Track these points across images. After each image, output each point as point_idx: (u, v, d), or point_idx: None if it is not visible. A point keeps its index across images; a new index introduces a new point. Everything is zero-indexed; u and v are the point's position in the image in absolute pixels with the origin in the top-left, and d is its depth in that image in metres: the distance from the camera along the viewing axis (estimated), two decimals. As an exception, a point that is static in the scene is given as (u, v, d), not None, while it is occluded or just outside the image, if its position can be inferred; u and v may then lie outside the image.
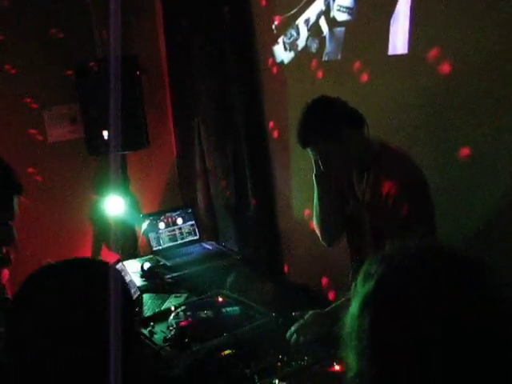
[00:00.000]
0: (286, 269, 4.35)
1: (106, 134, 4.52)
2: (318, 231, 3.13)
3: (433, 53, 2.86)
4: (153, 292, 3.87)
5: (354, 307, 1.13)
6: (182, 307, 3.26)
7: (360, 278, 1.16)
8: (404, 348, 1.04)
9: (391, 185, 2.61)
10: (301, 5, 3.74)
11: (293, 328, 2.75)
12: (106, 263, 1.58)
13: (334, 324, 2.54)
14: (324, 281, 3.87)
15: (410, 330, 1.04)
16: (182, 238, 4.71)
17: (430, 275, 1.07)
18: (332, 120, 2.65)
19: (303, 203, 3.91)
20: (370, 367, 1.07)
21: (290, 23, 3.87)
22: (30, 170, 4.87)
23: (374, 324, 1.07)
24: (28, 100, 4.81)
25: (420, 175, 2.64)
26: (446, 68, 2.81)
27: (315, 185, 2.96)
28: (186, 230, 4.74)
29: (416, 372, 1.03)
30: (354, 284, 1.19)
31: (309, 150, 2.74)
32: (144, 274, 4.10)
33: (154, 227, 4.63)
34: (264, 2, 4.09)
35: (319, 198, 3.00)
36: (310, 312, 2.80)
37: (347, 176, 2.86)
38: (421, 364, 1.02)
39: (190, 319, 3.09)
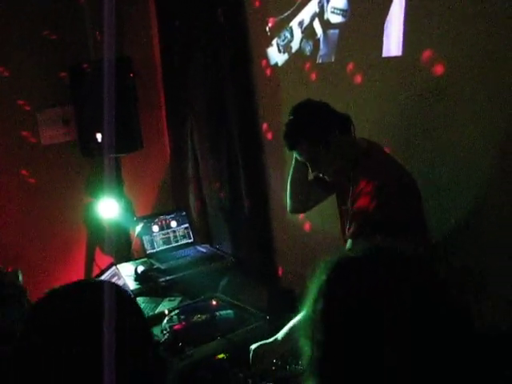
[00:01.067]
0: (279, 272, 4.34)
1: (99, 136, 4.50)
2: (289, 199, 3.17)
3: (426, 55, 2.85)
4: (147, 295, 3.88)
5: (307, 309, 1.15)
6: (176, 311, 3.25)
7: (312, 283, 1.19)
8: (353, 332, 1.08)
9: (365, 183, 2.60)
10: (294, 7, 3.73)
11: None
12: (112, 284, 1.54)
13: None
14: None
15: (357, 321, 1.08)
16: (176, 241, 4.71)
17: (372, 271, 1.12)
18: (321, 124, 2.65)
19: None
20: (321, 353, 1.10)
21: (283, 25, 3.85)
22: (24, 172, 4.84)
23: (325, 316, 1.12)
24: (21, 102, 4.78)
25: (398, 179, 2.63)
26: (439, 69, 2.81)
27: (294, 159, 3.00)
28: (179, 232, 4.74)
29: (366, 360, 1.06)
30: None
31: (295, 152, 2.73)
32: (138, 277, 4.10)
33: (147, 230, 4.63)
34: (258, 4, 4.08)
35: (295, 169, 3.04)
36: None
37: (338, 178, 2.84)
38: (370, 353, 1.06)
39: (183, 323, 3.09)
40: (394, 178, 2.64)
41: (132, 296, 1.60)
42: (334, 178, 2.84)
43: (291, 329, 2.55)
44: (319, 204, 3.23)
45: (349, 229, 2.63)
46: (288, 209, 3.24)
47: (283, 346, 2.56)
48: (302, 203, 3.19)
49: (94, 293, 1.38)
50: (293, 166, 3.05)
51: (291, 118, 2.71)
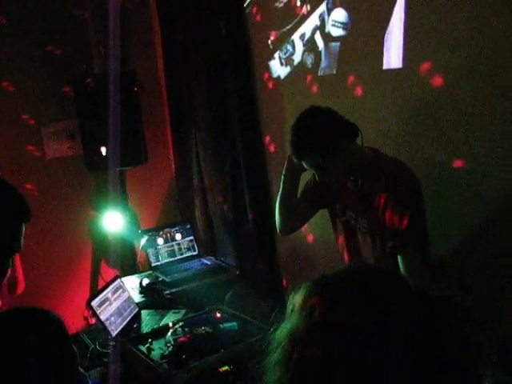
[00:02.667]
0: (284, 283, 4.35)
1: (104, 150, 4.53)
2: (278, 218, 3.14)
3: (425, 67, 2.87)
4: (151, 308, 3.88)
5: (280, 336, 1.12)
6: (180, 323, 3.25)
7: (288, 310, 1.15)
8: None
9: (387, 192, 2.60)
10: (296, 20, 3.75)
11: None
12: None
13: None
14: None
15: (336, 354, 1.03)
16: (181, 254, 4.72)
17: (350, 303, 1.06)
18: (329, 132, 2.61)
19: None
20: None
21: (285, 38, 3.88)
22: (28, 186, 4.86)
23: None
24: (26, 116, 4.82)
25: (415, 181, 2.64)
26: (437, 81, 2.82)
27: (285, 170, 2.99)
28: (184, 245, 4.75)
29: None
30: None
31: (303, 162, 2.71)
32: (143, 290, 4.11)
33: (152, 243, 4.64)
34: (259, 18, 4.11)
35: (289, 183, 3.02)
36: None
37: (342, 184, 2.85)
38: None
39: (187, 335, 3.09)
40: (413, 180, 2.65)
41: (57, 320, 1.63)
42: (340, 185, 2.84)
43: None
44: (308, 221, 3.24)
45: (390, 241, 2.63)
46: (278, 230, 3.22)
47: None
48: (294, 222, 3.19)
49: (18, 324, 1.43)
50: (282, 187, 3.04)
51: (298, 126, 2.67)
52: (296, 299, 1.14)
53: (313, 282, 1.14)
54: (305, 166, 2.73)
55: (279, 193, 3.07)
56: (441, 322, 1.05)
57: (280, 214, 3.11)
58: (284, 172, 3.01)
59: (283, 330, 1.12)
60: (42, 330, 1.53)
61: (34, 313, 1.60)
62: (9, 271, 2.24)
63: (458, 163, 2.82)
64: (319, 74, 3.67)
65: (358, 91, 3.36)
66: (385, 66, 3.18)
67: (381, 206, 2.63)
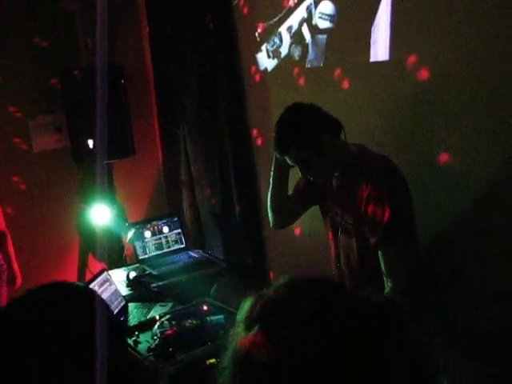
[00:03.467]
0: (271, 276, 4.35)
1: (91, 142, 4.51)
2: (270, 214, 3.14)
3: (411, 59, 2.88)
4: (138, 301, 3.87)
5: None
6: (167, 316, 3.25)
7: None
8: None
9: (371, 188, 2.59)
10: (283, 12, 3.75)
11: None
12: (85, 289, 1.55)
13: None
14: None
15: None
16: (169, 247, 4.71)
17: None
18: (311, 128, 2.62)
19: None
20: None
21: (272, 31, 3.88)
22: (15, 178, 4.85)
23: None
24: (12, 109, 4.79)
25: (399, 176, 2.64)
26: (424, 74, 2.83)
27: (273, 166, 2.99)
28: (172, 238, 4.74)
29: None
30: None
31: (286, 157, 2.71)
32: (130, 283, 4.10)
33: (140, 236, 4.63)
34: (246, 10, 4.10)
35: (277, 180, 3.02)
36: None
37: (327, 180, 2.85)
38: None
39: (174, 328, 3.08)
40: (397, 175, 2.65)
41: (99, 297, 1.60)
42: (323, 181, 2.84)
43: None
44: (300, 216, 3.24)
45: (372, 237, 2.63)
46: (271, 224, 3.21)
47: None
48: (286, 217, 3.19)
49: (66, 298, 1.39)
50: (272, 183, 3.04)
51: (281, 122, 2.68)
52: (240, 314, 1.12)
53: (253, 297, 1.12)
54: (288, 162, 2.73)
55: (269, 189, 3.07)
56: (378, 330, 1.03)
57: (271, 209, 3.11)
58: (272, 168, 3.01)
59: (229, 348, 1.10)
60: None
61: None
62: None
63: (444, 157, 2.82)
64: (306, 67, 3.67)
65: (345, 84, 3.36)
66: (372, 59, 3.18)
67: (363, 201, 2.62)
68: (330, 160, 2.68)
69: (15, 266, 4.28)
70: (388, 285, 2.60)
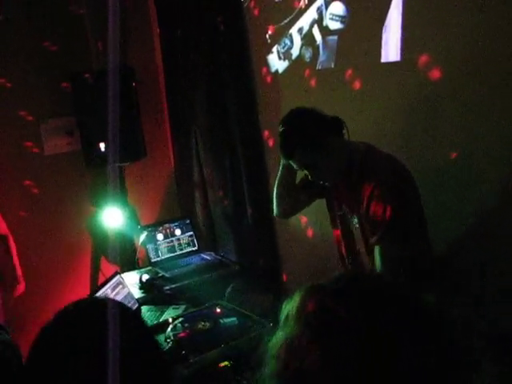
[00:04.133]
0: (284, 278, 4.34)
1: (102, 146, 4.52)
2: (275, 201, 3.17)
3: (423, 59, 2.86)
4: (151, 304, 3.87)
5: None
6: (180, 319, 3.24)
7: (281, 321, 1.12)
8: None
9: (373, 186, 2.58)
10: (294, 14, 3.74)
11: None
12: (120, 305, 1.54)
13: None
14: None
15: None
16: (181, 249, 4.71)
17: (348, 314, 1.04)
18: (314, 129, 2.62)
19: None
20: None
21: (283, 32, 3.87)
22: (27, 182, 4.87)
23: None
24: (24, 113, 4.81)
25: (404, 175, 2.63)
26: (435, 74, 2.81)
27: (281, 166, 3.02)
28: (184, 240, 4.74)
29: None
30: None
31: (292, 161, 2.71)
32: (142, 285, 4.10)
33: (152, 239, 4.63)
34: (257, 12, 4.10)
35: (282, 175, 3.05)
36: None
37: (334, 181, 2.85)
38: None
39: (187, 331, 3.08)
40: (401, 174, 2.65)
41: (134, 311, 1.61)
42: (333, 182, 2.83)
43: None
44: (306, 208, 3.23)
45: (372, 235, 2.62)
46: (274, 212, 3.23)
47: None
48: (290, 206, 3.19)
49: (100, 314, 1.38)
50: (280, 171, 3.05)
51: (284, 128, 2.68)
52: (289, 307, 1.11)
53: (307, 289, 1.12)
54: (295, 166, 2.73)
55: (276, 178, 3.09)
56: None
57: (276, 196, 3.13)
58: (280, 167, 3.03)
59: (277, 340, 1.09)
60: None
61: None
62: None
63: (455, 155, 2.81)
64: (317, 68, 3.66)
65: (357, 84, 3.35)
66: (383, 59, 3.17)
67: (366, 199, 2.62)
68: (336, 161, 2.68)
69: (18, 271, 4.25)
70: None
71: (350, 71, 3.39)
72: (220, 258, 4.65)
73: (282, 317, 1.11)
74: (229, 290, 3.91)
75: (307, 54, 3.72)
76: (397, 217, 2.52)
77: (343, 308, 1.04)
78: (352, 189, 2.72)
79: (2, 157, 4.71)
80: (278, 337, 1.09)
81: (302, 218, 3.96)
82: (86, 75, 4.59)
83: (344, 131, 2.68)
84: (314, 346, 1.02)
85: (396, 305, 1.05)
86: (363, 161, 2.68)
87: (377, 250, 2.59)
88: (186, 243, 4.74)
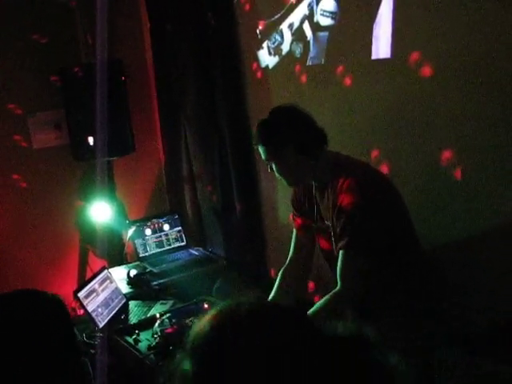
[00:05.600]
0: (272, 273, 4.34)
1: (91, 139, 4.49)
2: None
3: (414, 56, 2.86)
4: (139, 299, 3.86)
5: None
6: (167, 314, 3.24)
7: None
8: None
9: (343, 181, 2.57)
10: (284, 9, 3.73)
11: None
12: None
13: None
14: (311, 285, 3.85)
15: None
16: (169, 245, 4.71)
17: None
18: (279, 133, 2.63)
19: (289, 207, 3.87)
20: None
21: (274, 28, 3.85)
22: (15, 176, 4.84)
23: None
24: (12, 106, 4.77)
25: (373, 182, 2.61)
26: (426, 71, 2.81)
27: None
28: (172, 236, 4.74)
29: None
30: None
31: (261, 149, 2.71)
32: (130, 281, 4.09)
33: (140, 234, 4.63)
34: (248, 7, 4.08)
35: None
36: None
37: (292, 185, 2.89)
38: None
39: (174, 326, 3.08)
40: (369, 172, 2.67)
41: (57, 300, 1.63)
42: (290, 185, 2.86)
43: None
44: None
45: (340, 238, 2.59)
46: None
47: None
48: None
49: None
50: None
51: (269, 116, 2.71)
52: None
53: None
54: (262, 156, 2.74)
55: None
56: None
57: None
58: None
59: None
60: (45, 310, 1.53)
61: (35, 294, 1.60)
62: None
63: (446, 154, 2.80)
64: (308, 64, 3.65)
65: (347, 81, 3.34)
66: (373, 56, 3.16)
67: (333, 209, 2.62)
68: (288, 168, 2.68)
69: None
70: (336, 289, 2.56)
71: (340, 67, 3.38)
72: (208, 253, 4.66)
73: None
74: (216, 285, 3.91)
75: (297, 50, 3.71)
76: (359, 225, 2.49)
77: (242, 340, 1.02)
78: (326, 199, 2.71)
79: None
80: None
81: (291, 214, 3.95)
82: (75, 69, 4.56)
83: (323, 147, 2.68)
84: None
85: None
86: (334, 172, 2.65)
87: (341, 252, 2.57)
88: (174, 238, 4.74)
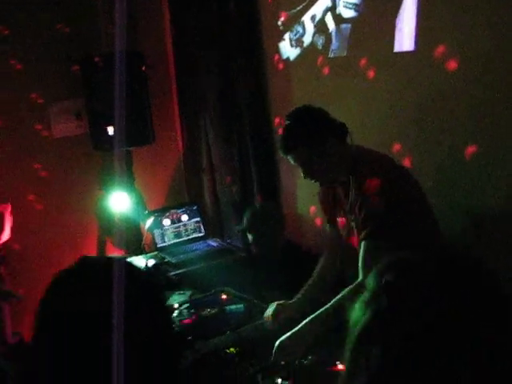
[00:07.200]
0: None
1: (111, 129, 4.50)
2: None
3: (439, 50, 2.83)
4: (157, 289, 3.86)
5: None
6: (186, 305, 3.25)
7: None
8: None
9: (360, 188, 2.58)
10: (307, 1, 3.71)
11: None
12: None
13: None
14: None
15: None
16: (187, 235, 4.71)
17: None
18: (319, 129, 2.62)
19: (308, 200, 3.88)
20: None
21: (296, 19, 3.84)
22: (36, 165, 4.86)
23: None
24: (33, 95, 4.79)
25: (390, 173, 2.61)
26: (452, 65, 2.78)
27: None
28: (191, 226, 4.73)
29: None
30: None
31: (289, 157, 2.69)
32: (148, 270, 4.09)
33: (158, 224, 4.63)
34: (270, -1, 4.07)
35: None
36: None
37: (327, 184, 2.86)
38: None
39: (193, 317, 3.09)
40: (391, 168, 2.64)
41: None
42: (328, 183, 2.84)
43: (314, 321, 2.59)
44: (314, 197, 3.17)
45: (362, 230, 2.59)
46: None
47: (309, 338, 2.59)
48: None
49: (106, 273, 1.36)
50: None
51: (288, 122, 2.69)
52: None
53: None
54: (291, 161, 2.72)
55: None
56: None
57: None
58: None
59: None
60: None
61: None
62: None
63: (470, 149, 2.78)
64: (329, 56, 3.63)
65: (370, 74, 3.31)
66: (396, 49, 3.14)
67: (356, 204, 2.62)
68: (332, 163, 2.66)
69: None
70: (358, 280, 2.56)
71: (363, 60, 3.36)
72: (226, 244, 4.65)
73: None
74: (234, 277, 3.90)
75: (319, 42, 3.69)
76: (387, 211, 2.49)
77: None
78: (350, 192, 2.70)
79: (12, 139, 4.70)
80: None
81: (311, 207, 3.94)
82: (96, 58, 4.56)
83: (348, 139, 2.67)
84: None
85: None
86: (356, 164, 2.66)
87: (362, 243, 2.58)
88: (192, 229, 4.73)
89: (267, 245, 3.80)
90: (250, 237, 3.85)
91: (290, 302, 2.89)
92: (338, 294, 2.62)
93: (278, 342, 2.59)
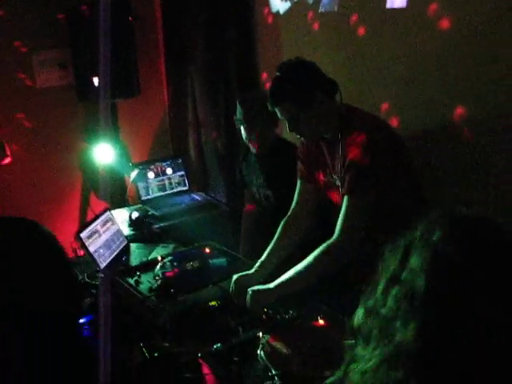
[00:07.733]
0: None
1: (96, 80, 4.44)
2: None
3: (432, 8, 2.79)
4: (140, 241, 3.87)
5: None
6: (169, 257, 3.24)
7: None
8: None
9: (354, 135, 2.56)
10: (298, -47, 3.65)
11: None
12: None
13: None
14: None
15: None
16: (171, 189, 4.71)
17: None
18: (305, 85, 2.59)
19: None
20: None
21: (286, -28, 3.78)
22: (19, 115, 4.81)
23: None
24: (17, 44, 4.71)
25: (386, 132, 2.61)
26: (444, 24, 2.74)
27: None
28: (175, 180, 4.73)
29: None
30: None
31: (277, 110, 2.67)
32: (132, 223, 4.10)
33: (143, 177, 4.62)
34: (261, -50, 4.00)
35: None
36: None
37: (316, 143, 2.83)
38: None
39: (176, 269, 3.09)
40: (380, 128, 2.63)
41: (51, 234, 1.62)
42: (308, 141, 2.83)
43: (291, 278, 2.59)
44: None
45: (348, 186, 2.60)
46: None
47: (278, 293, 2.60)
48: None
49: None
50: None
51: (279, 74, 2.64)
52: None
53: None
54: (278, 114, 2.69)
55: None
56: None
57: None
58: None
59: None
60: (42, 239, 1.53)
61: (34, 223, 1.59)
62: None
63: (459, 110, 2.76)
64: (320, 11, 3.58)
65: (360, 30, 3.27)
66: (388, 5, 3.09)
67: (343, 162, 2.60)
68: (319, 119, 2.64)
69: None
70: (331, 239, 2.57)
71: (354, 16, 3.31)
72: (210, 198, 4.65)
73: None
74: (217, 230, 3.90)
75: (310, -4, 3.64)
76: (364, 170, 2.50)
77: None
78: (337, 152, 2.68)
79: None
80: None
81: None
82: (83, 7, 4.48)
83: (337, 96, 2.64)
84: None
85: None
86: (346, 124, 2.64)
87: (345, 198, 2.58)
88: (176, 182, 4.73)
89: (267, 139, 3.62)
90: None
91: (251, 272, 2.82)
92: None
93: (249, 291, 2.63)
